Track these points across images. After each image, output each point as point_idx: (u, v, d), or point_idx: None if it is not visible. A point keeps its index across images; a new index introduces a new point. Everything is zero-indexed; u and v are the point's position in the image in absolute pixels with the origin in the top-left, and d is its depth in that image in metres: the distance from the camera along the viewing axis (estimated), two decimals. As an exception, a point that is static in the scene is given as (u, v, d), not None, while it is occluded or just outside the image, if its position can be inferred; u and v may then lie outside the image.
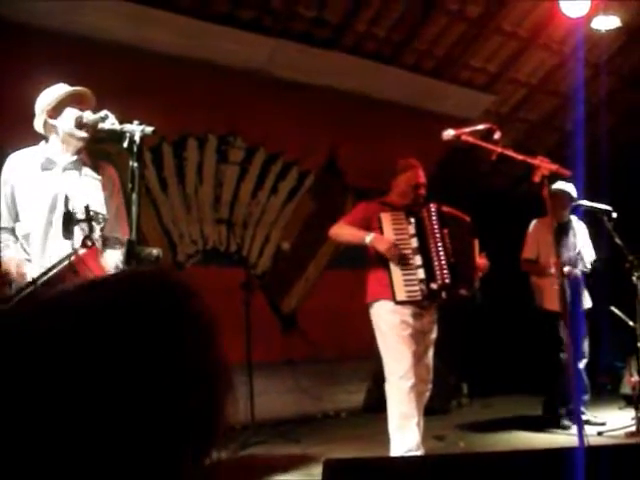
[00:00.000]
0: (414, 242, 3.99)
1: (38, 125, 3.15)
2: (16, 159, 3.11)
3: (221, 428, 0.67)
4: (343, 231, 4.13)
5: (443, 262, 3.98)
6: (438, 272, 3.96)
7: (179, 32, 5.47)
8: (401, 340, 3.92)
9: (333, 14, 6.16)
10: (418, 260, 3.96)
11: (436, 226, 4.04)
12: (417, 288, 3.93)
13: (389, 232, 3.97)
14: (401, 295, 3.91)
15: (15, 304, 0.69)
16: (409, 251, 3.97)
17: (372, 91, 6.65)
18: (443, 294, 4.02)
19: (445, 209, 4.17)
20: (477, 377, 6.89)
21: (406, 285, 3.92)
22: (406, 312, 3.95)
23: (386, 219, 4.00)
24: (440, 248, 4.00)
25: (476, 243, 4.27)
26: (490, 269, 4.24)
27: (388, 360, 3.98)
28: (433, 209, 4.07)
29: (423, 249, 3.98)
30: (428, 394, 4.15)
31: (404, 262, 3.93)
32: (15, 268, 2.89)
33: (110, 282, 0.68)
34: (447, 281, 3.96)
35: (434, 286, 3.94)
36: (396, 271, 3.93)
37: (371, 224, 4.03)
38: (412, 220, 4.00)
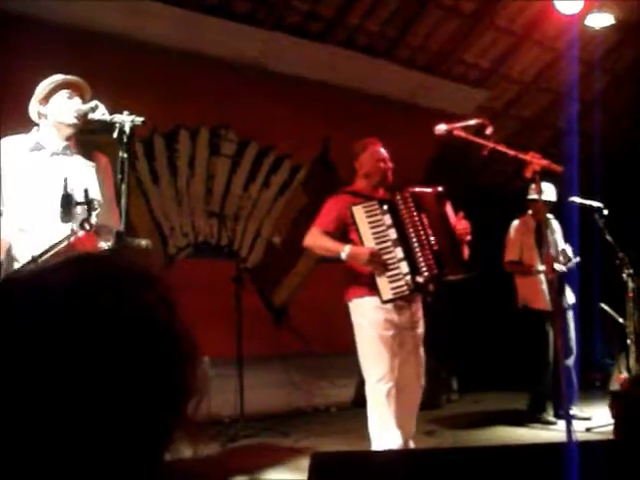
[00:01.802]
0: (393, 233, 3.69)
1: (33, 113, 3.18)
2: (5, 143, 3.10)
3: (189, 408, 0.67)
4: (317, 243, 3.84)
5: (427, 252, 3.72)
6: (423, 264, 3.70)
7: (172, 23, 5.44)
8: (381, 341, 3.69)
9: (327, 7, 6.14)
10: (399, 252, 3.68)
11: (414, 213, 3.77)
12: (402, 283, 3.66)
13: (364, 226, 3.68)
14: (387, 294, 3.65)
15: None
16: (389, 243, 3.67)
17: (365, 85, 6.63)
18: (430, 286, 3.79)
19: (418, 191, 3.88)
20: (467, 372, 6.90)
21: (391, 282, 3.65)
22: (390, 307, 3.72)
23: (358, 212, 3.67)
24: (422, 236, 3.74)
25: (449, 209, 3.95)
26: (474, 244, 3.93)
27: (366, 362, 3.77)
28: (408, 195, 3.79)
29: (403, 240, 3.71)
30: (421, 391, 3.92)
31: (385, 258, 3.67)
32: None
33: (61, 266, 0.68)
34: (434, 272, 3.72)
35: (420, 279, 3.68)
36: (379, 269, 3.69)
37: (346, 219, 3.76)
38: (386, 208, 3.70)
